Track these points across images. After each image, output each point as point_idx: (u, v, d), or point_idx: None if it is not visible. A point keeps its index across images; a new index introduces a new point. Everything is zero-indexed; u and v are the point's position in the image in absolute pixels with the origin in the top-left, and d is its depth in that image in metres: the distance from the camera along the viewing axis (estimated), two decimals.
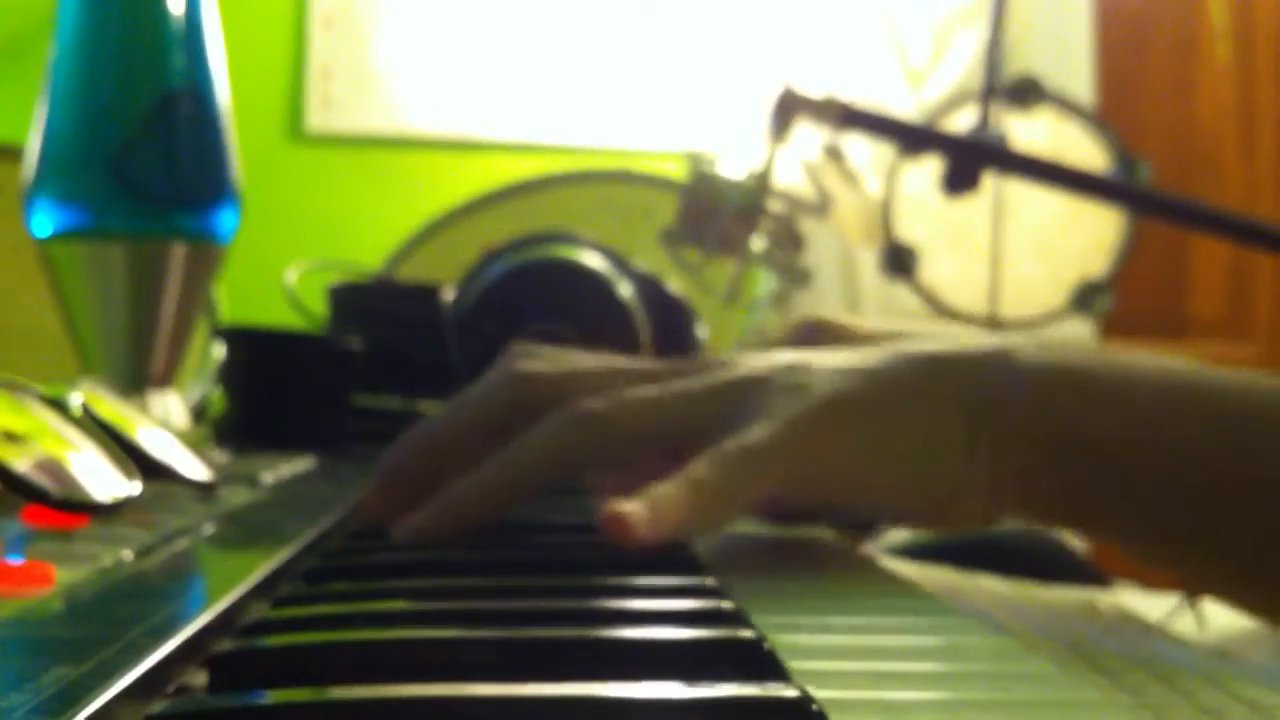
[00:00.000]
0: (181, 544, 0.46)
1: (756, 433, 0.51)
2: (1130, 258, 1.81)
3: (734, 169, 1.56)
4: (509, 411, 0.54)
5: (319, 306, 1.04)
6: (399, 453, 0.56)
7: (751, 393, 0.53)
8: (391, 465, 0.56)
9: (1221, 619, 0.64)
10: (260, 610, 0.38)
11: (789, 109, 1.51)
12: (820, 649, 0.36)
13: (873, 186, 1.82)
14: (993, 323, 1.80)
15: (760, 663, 0.33)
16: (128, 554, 0.42)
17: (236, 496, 0.58)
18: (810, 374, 0.52)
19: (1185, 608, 0.64)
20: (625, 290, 0.91)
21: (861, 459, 0.51)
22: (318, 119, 2.60)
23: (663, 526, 0.48)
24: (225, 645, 0.33)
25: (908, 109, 2.26)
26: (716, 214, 1.53)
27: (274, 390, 0.86)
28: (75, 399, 0.51)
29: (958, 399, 0.52)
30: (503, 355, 0.59)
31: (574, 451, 0.53)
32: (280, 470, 0.67)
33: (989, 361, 0.53)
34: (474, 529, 0.52)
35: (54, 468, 0.45)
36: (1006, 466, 0.51)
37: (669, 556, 0.48)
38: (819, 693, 0.29)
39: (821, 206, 1.68)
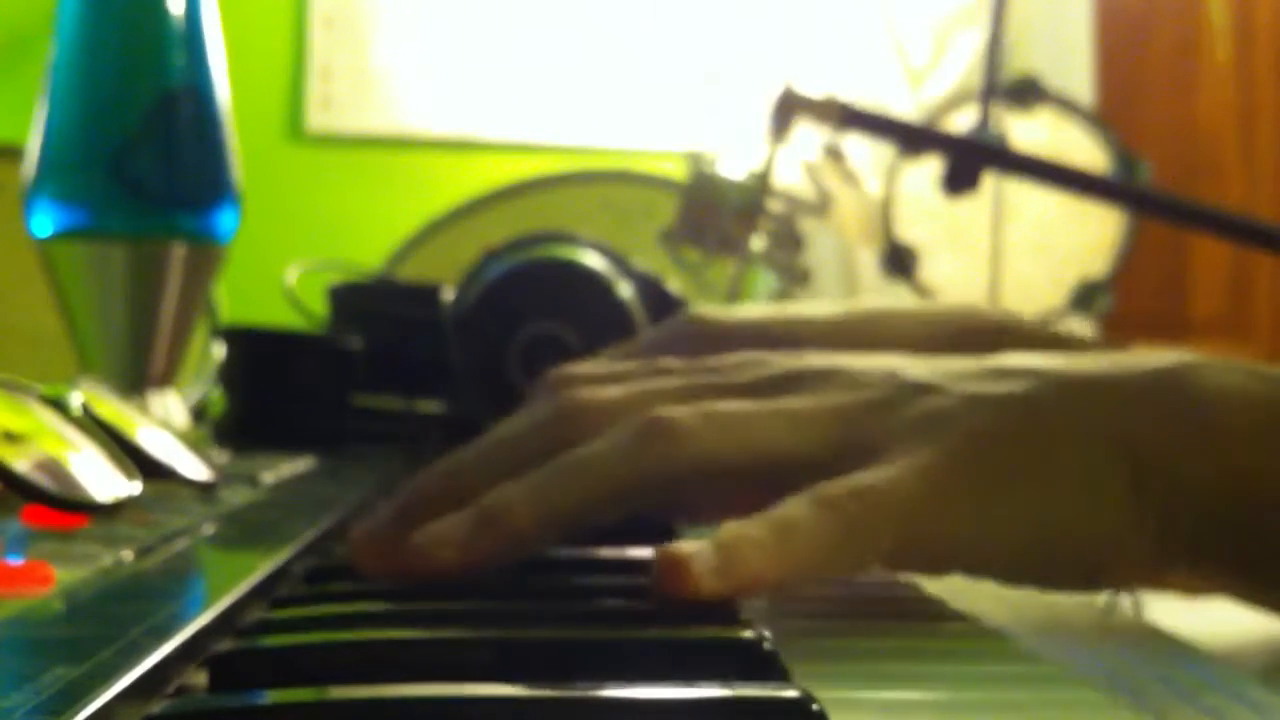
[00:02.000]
0: (181, 544, 0.46)
1: (874, 475, 0.41)
2: (1130, 258, 1.82)
3: (734, 169, 1.56)
4: (559, 445, 0.44)
5: (319, 306, 1.04)
6: (415, 485, 0.45)
7: (874, 422, 0.43)
8: (404, 497, 0.45)
9: (1227, 628, 0.64)
10: (260, 610, 0.38)
11: (789, 109, 1.51)
12: (821, 649, 0.36)
13: (873, 186, 1.82)
14: None
15: (760, 663, 0.33)
16: (128, 554, 0.42)
17: (236, 496, 0.58)
18: (944, 400, 0.43)
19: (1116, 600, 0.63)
20: (625, 290, 0.91)
21: (1005, 513, 0.42)
22: (318, 119, 2.60)
23: (736, 577, 0.38)
24: (225, 645, 0.33)
25: (908, 109, 2.26)
26: (716, 214, 1.53)
27: (274, 390, 0.86)
28: (75, 399, 0.51)
29: (1119, 435, 0.42)
30: (536, 385, 0.49)
31: (646, 470, 0.42)
32: (280, 470, 0.67)
33: (1155, 386, 0.43)
34: (515, 549, 0.42)
35: (54, 468, 0.45)
36: (1179, 521, 0.42)
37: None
38: (820, 692, 0.29)
39: (821, 206, 1.68)
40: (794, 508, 0.40)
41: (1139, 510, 0.42)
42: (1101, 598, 0.59)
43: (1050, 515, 0.42)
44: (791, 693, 0.29)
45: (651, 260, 1.04)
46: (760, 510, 0.40)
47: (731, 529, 0.39)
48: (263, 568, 0.41)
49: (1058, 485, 0.42)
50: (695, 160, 1.58)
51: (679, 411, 0.43)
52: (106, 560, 0.41)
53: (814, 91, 1.52)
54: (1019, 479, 0.42)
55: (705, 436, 0.43)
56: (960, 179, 1.51)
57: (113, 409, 0.54)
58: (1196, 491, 0.42)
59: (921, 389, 0.44)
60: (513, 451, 0.45)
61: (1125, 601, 0.63)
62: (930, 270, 1.82)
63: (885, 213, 1.80)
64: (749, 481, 0.43)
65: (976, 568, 0.43)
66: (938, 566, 0.43)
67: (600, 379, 0.48)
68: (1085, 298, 1.81)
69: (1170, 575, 0.44)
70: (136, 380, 0.84)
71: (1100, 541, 0.43)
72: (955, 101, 1.86)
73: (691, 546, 0.38)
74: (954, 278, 1.85)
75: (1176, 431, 0.43)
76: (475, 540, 0.42)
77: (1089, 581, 0.44)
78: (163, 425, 0.60)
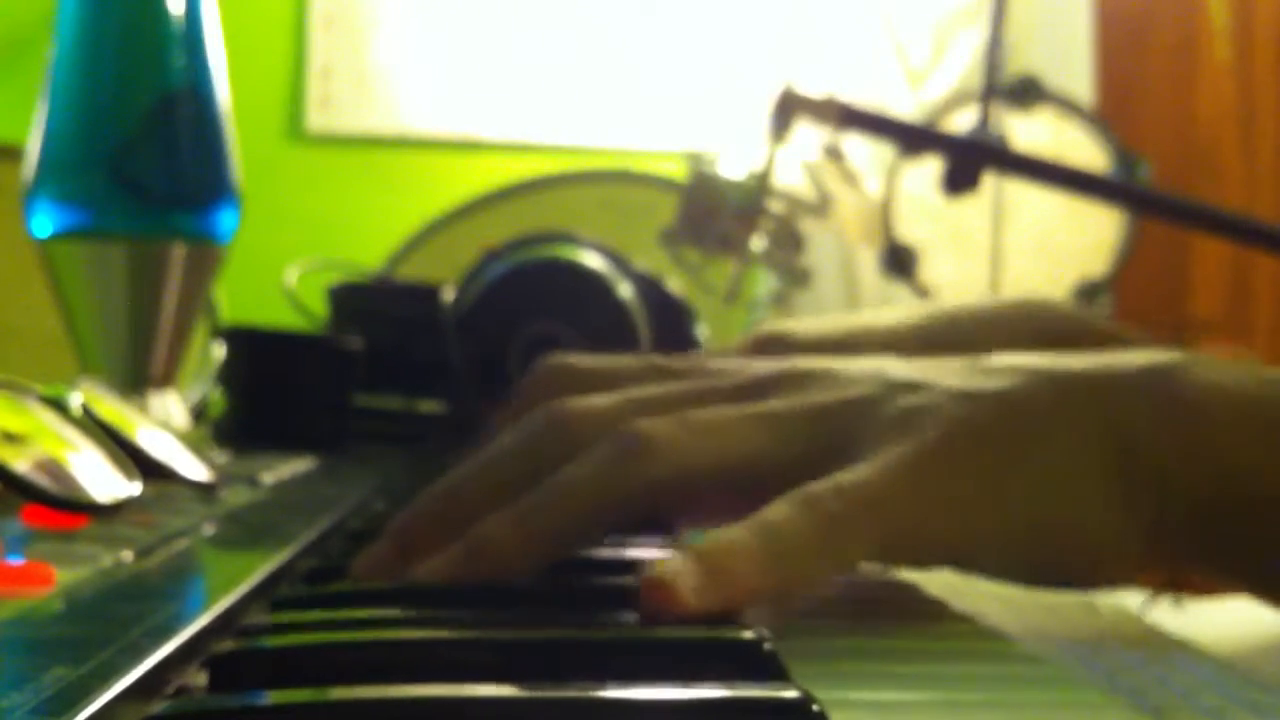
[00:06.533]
0: (181, 544, 0.46)
1: (856, 472, 0.40)
2: (1130, 258, 1.81)
3: (734, 169, 1.56)
4: (554, 460, 0.44)
5: (319, 306, 1.04)
6: (412, 511, 0.46)
7: (855, 420, 0.43)
8: (402, 524, 0.45)
9: (1228, 629, 0.64)
10: (260, 611, 0.38)
11: (789, 109, 1.51)
12: (821, 649, 0.36)
13: (873, 186, 1.82)
14: None
15: (760, 663, 0.33)
16: (128, 554, 0.42)
17: (236, 496, 0.58)
18: (927, 396, 0.43)
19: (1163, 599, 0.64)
20: (625, 290, 0.91)
21: (991, 507, 0.41)
22: (318, 119, 2.60)
23: (723, 591, 0.37)
24: (225, 645, 0.33)
25: (908, 109, 2.26)
26: (716, 214, 1.53)
27: (274, 390, 0.85)
28: (75, 399, 0.51)
29: (1109, 431, 0.42)
30: (529, 378, 0.51)
31: (628, 486, 0.42)
32: (280, 470, 0.67)
33: (1146, 382, 0.43)
34: (504, 579, 0.42)
35: (54, 468, 0.45)
36: (1169, 518, 0.42)
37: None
38: (820, 692, 0.29)
39: (821, 206, 1.68)
40: (777, 510, 0.39)
41: (1128, 507, 0.42)
42: (1138, 599, 0.58)
43: (1037, 512, 0.42)
44: (791, 693, 0.29)
45: (651, 260, 1.04)
46: (746, 515, 0.40)
47: (714, 538, 0.39)
48: (263, 568, 0.41)
49: (1043, 482, 0.42)
50: (695, 160, 1.58)
51: (655, 425, 0.43)
52: (106, 560, 0.41)
53: (814, 91, 1.52)
54: (1003, 474, 0.42)
55: (683, 447, 0.43)
56: (960, 179, 1.51)
57: (113, 409, 0.54)
58: (1186, 488, 0.42)
59: (904, 387, 0.43)
60: (504, 471, 0.45)
61: (1162, 603, 0.62)
62: (930, 270, 1.82)
63: (885, 213, 1.80)
64: (733, 487, 0.43)
65: (964, 564, 0.43)
66: (924, 562, 0.43)
67: (590, 377, 0.49)
68: (1085, 298, 1.81)
69: (1159, 572, 0.45)
70: (136, 380, 0.84)
71: (1089, 539, 0.42)
72: (955, 101, 1.86)
73: (676, 564, 0.37)
74: (954, 278, 1.85)
75: (1166, 428, 0.42)
76: (465, 575, 0.42)
77: (1078, 579, 0.44)
78: (163, 425, 0.60)
